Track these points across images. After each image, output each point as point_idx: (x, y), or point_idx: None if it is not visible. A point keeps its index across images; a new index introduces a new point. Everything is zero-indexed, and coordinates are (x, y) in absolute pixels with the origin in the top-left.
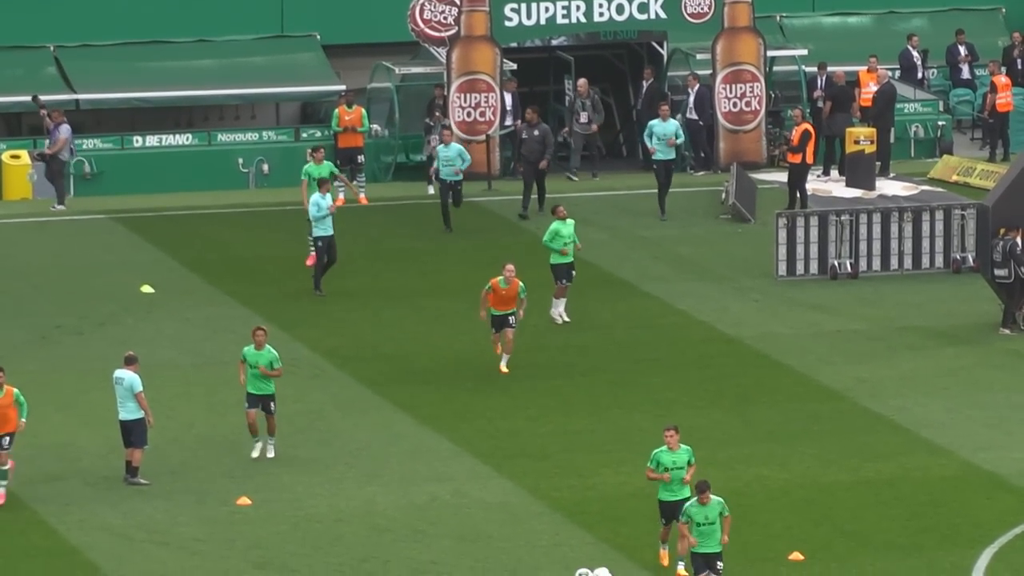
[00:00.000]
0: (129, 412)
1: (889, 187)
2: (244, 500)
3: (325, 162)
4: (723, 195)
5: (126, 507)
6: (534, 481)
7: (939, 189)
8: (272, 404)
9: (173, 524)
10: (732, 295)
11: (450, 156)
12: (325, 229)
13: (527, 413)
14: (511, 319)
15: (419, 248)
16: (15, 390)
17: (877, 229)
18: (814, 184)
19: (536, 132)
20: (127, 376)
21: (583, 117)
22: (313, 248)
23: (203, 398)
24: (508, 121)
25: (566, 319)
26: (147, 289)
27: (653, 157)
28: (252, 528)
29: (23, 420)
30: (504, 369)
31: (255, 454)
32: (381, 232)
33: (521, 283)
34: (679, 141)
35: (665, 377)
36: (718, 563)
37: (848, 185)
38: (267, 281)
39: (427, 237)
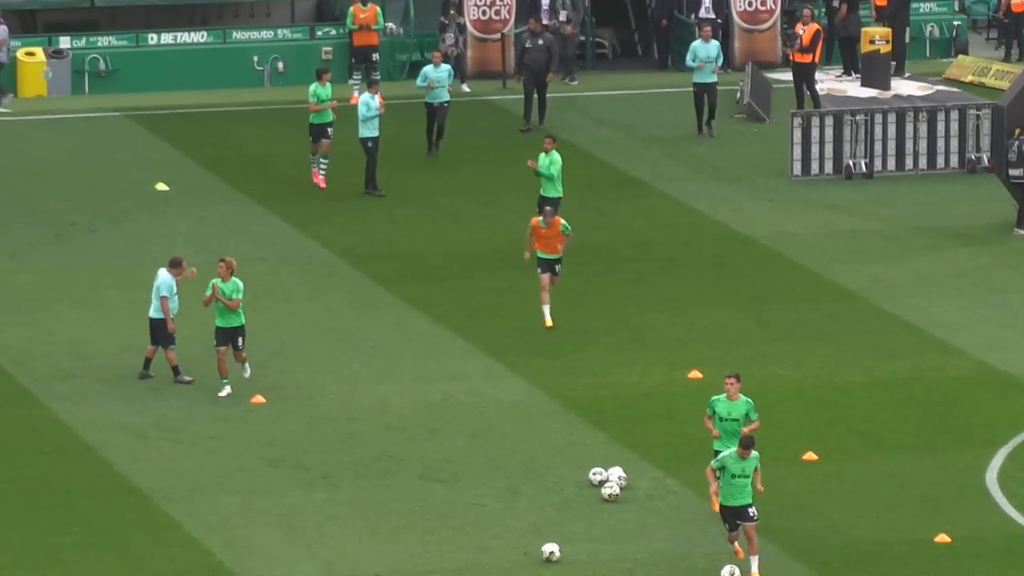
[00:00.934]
0: (155, 311)
1: (904, 87)
2: (258, 398)
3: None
4: (738, 94)
5: (140, 405)
6: (548, 380)
7: (954, 89)
8: (241, 339)
9: (187, 422)
10: (747, 194)
11: (440, 78)
12: (372, 130)
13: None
14: (557, 267)
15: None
16: None
17: (892, 129)
18: (829, 83)
19: (540, 42)
20: (159, 277)
21: (562, 16)
22: (317, 168)
23: None
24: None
25: None
26: (161, 187)
27: (693, 80)
28: (266, 426)
29: None
30: (548, 323)
31: (223, 393)
32: (396, 130)
33: (563, 220)
34: (719, 63)
35: (680, 276)
36: (750, 510)
37: (863, 85)
38: (281, 179)
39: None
